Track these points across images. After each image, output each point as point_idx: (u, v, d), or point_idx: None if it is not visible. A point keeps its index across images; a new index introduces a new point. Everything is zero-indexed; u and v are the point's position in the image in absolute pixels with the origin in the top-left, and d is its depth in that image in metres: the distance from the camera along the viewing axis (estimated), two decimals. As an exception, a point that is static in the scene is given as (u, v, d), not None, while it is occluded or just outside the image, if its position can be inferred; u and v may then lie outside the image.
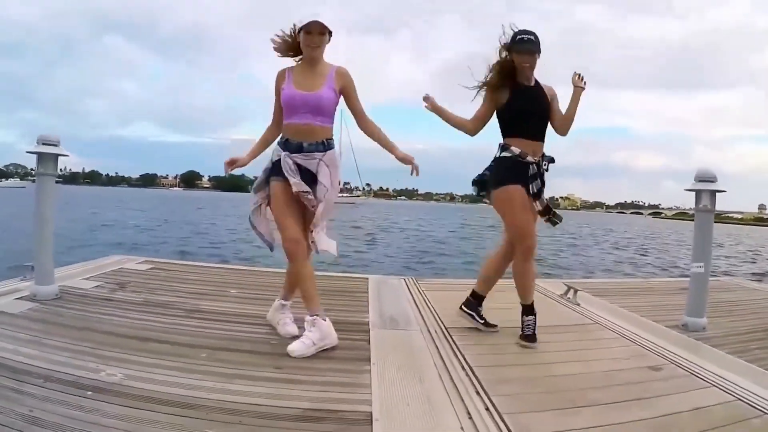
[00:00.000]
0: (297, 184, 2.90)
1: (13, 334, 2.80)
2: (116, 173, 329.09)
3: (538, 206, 3.22)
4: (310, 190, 2.93)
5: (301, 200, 2.95)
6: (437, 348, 3.04)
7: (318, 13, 2.88)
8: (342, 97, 3.06)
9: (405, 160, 3.11)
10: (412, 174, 3.11)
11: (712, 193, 3.73)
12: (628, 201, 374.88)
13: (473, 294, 3.46)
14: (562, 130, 3.36)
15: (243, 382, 2.39)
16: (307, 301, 2.99)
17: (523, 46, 3.14)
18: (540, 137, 3.27)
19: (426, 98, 3.36)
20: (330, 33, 2.96)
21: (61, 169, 3.80)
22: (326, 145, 2.99)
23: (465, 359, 2.85)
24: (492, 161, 3.31)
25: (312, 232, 2.99)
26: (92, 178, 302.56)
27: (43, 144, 3.57)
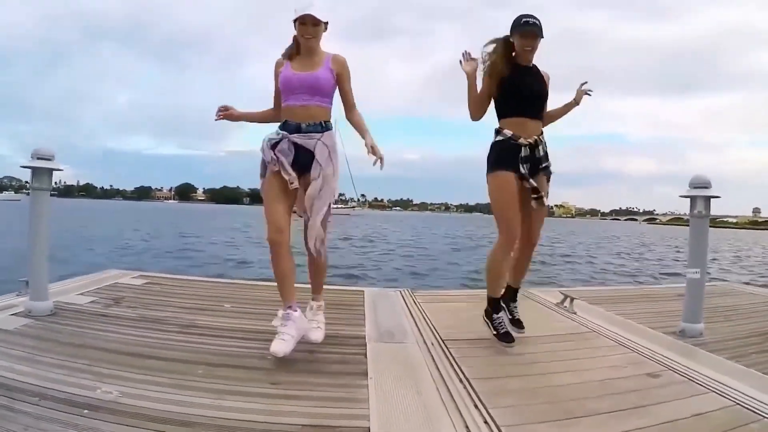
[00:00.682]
0: (288, 176, 2.94)
1: (7, 351, 2.78)
2: (111, 186, 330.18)
3: (528, 185, 3.20)
4: (298, 179, 2.98)
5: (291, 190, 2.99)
6: (434, 360, 3.01)
7: (312, 3, 2.88)
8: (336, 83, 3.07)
9: (372, 148, 3.08)
10: (374, 165, 3.07)
11: (707, 199, 3.74)
12: (623, 207, 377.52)
13: (488, 300, 3.39)
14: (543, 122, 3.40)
15: (239, 399, 2.36)
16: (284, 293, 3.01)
17: (527, 29, 3.13)
18: (536, 116, 3.27)
19: (469, 58, 3.26)
20: (326, 23, 2.98)
21: (55, 182, 3.79)
22: (324, 126, 3.01)
23: (462, 371, 2.83)
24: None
25: (299, 214, 3.01)
26: (87, 191, 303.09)
27: (38, 158, 3.55)
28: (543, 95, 3.30)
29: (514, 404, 2.44)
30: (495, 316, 3.32)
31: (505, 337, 3.25)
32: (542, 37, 3.17)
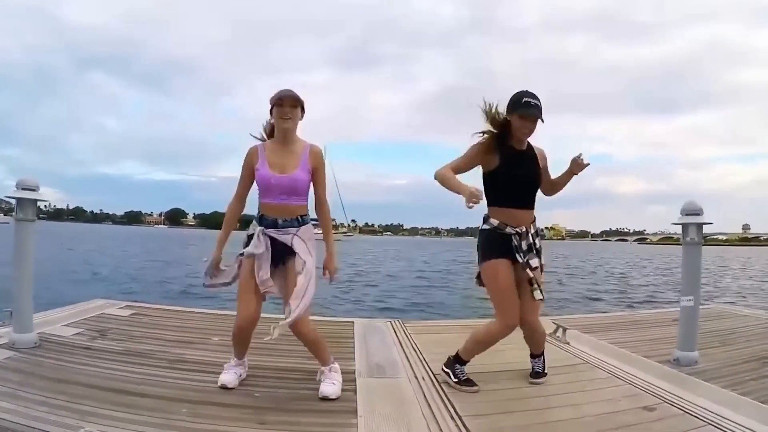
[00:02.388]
0: (263, 276, 2.94)
1: (-9, 386, 2.72)
2: (101, 210, 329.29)
3: (528, 274, 3.05)
4: (272, 284, 2.97)
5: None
6: (425, 396, 2.97)
7: (289, 89, 2.90)
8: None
9: (329, 267, 3.14)
10: (325, 277, 3.14)
11: (699, 226, 3.73)
12: (613, 228, 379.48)
13: (456, 355, 3.24)
14: (549, 194, 3.33)
15: (225, 440, 2.29)
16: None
17: (528, 111, 2.96)
18: (528, 205, 3.15)
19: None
20: (303, 107, 2.98)
21: (45, 206, 3.76)
22: (300, 221, 3.01)
23: (454, 408, 2.79)
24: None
25: (289, 304, 2.90)
26: (77, 214, 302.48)
27: (23, 189, 3.52)
28: (535, 183, 3.16)
29: (508, 442, 2.38)
30: (458, 366, 3.18)
31: (468, 383, 3.11)
32: (543, 122, 3.02)
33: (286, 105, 2.90)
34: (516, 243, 3.06)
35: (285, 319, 2.87)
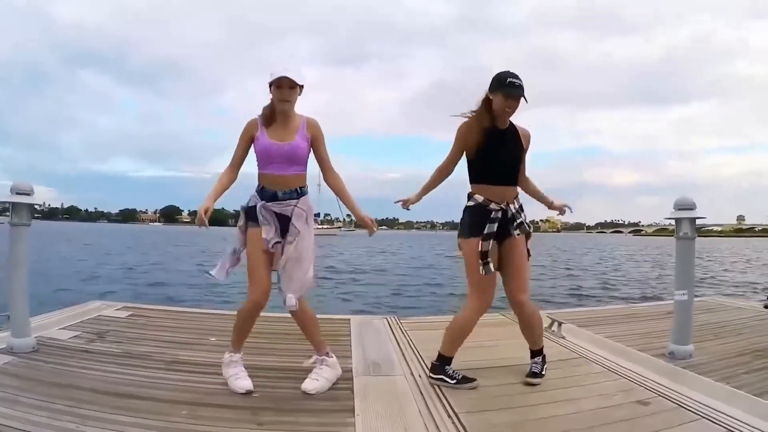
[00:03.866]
0: (268, 236, 2.97)
1: (-10, 391, 2.72)
2: (95, 208, 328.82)
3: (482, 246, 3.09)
4: (281, 241, 3.00)
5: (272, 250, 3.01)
6: (421, 394, 2.99)
7: (288, 68, 2.91)
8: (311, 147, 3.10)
9: (364, 221, 3.19)
10: (371, 235, 3.27)
11: (692, 221, 3.74)
12: (608, 220, 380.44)
13: (439, 357, 3.23)
14: (518, 184, 3.33)
15: (224, 441, 2.30)
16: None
17: (512, 91, 3.00)
18: (510, 182, 3.20)
19: (405, 203, 3.43)
20: (301, 87, 2.99)
21: (39, 204, 3.74)
22: (300, 193, 3.04)
23: (450, 405, 2.81)
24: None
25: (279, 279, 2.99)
26: (71, 213, 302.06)
27: (17, 194, 3.51)
28: (516, 162, 3.22)
29: (503, 439, 2.40)
30: (447, 367, 3.18)
31: (466, 380, 3.12)
32: (527, 101, 3.05)
33: (285, 87, 2.93)
34: (494, 217, 3.10)
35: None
